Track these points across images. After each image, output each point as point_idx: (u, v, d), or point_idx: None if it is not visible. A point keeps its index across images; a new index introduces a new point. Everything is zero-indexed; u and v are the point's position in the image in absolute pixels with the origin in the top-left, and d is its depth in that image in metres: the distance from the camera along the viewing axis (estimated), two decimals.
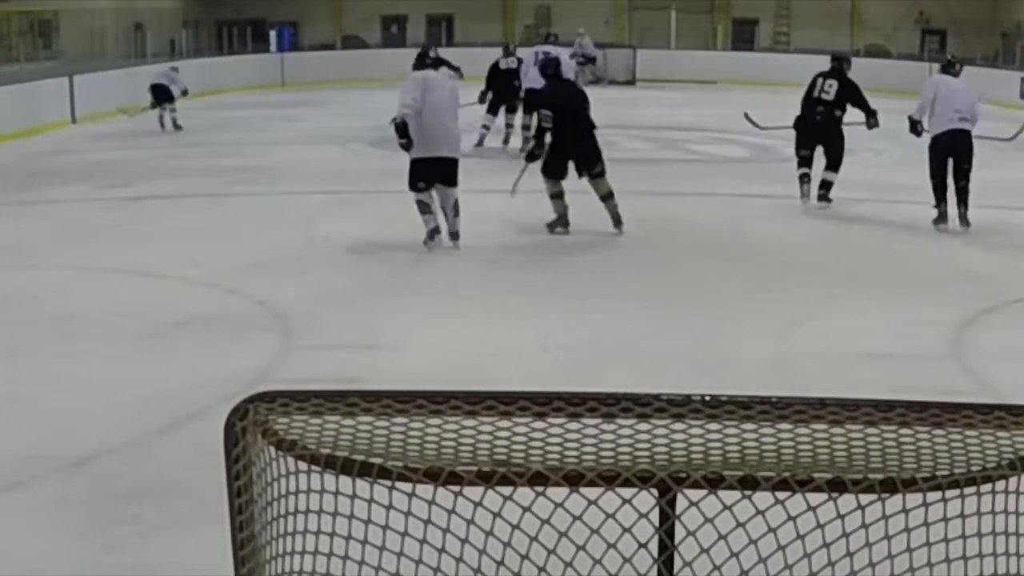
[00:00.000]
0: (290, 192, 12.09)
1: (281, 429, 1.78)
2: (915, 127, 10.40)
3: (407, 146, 8.69)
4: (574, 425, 1.71)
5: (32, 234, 9.80)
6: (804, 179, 11.04)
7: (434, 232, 8.91)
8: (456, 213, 8.92)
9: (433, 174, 8.74)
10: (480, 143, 14.97)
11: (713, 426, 1.71)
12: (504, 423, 1.72)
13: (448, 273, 8.32)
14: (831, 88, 11.04)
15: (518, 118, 15.12)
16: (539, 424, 1.72)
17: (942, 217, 9.91)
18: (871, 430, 1.72)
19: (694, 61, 30.63)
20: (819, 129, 10.93)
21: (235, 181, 12.72)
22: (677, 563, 1.80)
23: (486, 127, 15.21)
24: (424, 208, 8.85)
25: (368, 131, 17.42)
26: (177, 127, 17.74)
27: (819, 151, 11.19)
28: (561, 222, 9.64)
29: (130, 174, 13.21)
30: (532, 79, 13.95)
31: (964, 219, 9.83)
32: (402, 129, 8.57)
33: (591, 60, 23.73)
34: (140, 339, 6.65)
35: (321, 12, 32.80)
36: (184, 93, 17.93)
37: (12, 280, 8.12)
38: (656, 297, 7.62)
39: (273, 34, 30.69)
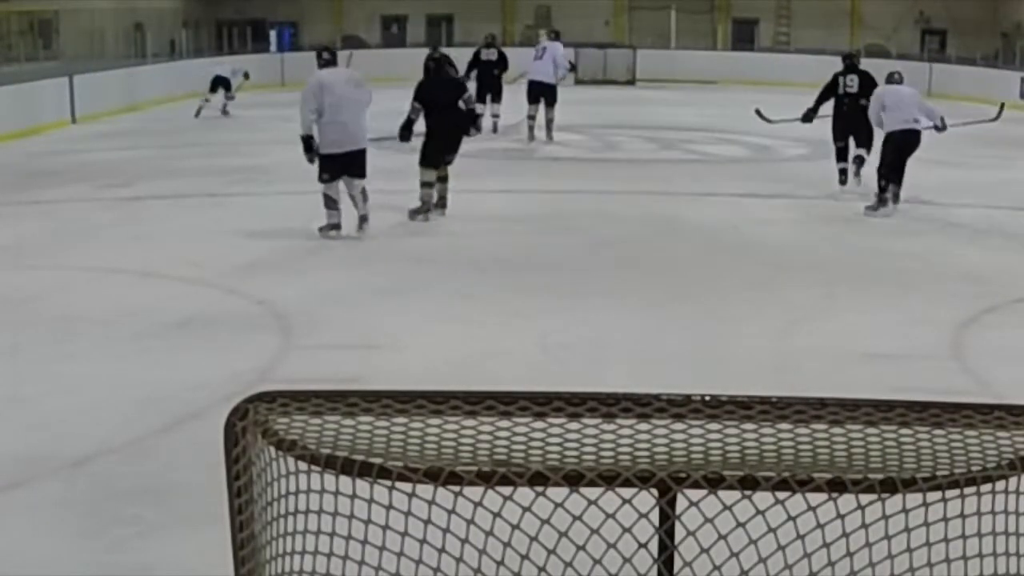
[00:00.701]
0: (290, 192, 12.08)
1: (281, 429, 1.78)
2: (879, 124, 11.40)
3: (312, 159, 9.19)
4: (574, 425, 1.71)
5: (32, 234, 9.81)
6: (843, 172, 12.18)
7: (334, 227, 9.27)
8: (364, 199, 9.28)
9: (338, 168, 9.13)
10: (494, 129, 16.09)
11: (713, 426, 1.71)
12: (504, 423, 1.71)
13: (448, 273, 8.32)
14: (853, 82, 12.16)
15: (498, 106, 16.52)
16: (539, 424, 1.72)
17: (883, 202, 10.93)
18: (871, 430, 1.72)
19: (694, 61, 30.64)
20: (849, 120, 12.02)
21: (235, 181, 12.72)
22: (677, 563, 1.80)
23: (489, 115, 15.93)
24: (329, 202, 9.23)
25: (368, 131, 17.41)
26: (225, 113, 19.94)
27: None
28: (423, 209, 10.15)
29: (130, 174, 13.21)
30: (536, 72, 15.82)
31: (897, 197, 11.03)
32: (307, 143, 9.12)
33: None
34: (140, 339, 6.65)
35: (321, 12, 32.80)
36: (246, 76, 20.77)
37: (12, 280, 8.12)
38: (656, 297, 7.62)
39: (273, 34, 30.68)
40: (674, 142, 17.07)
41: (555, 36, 17.33)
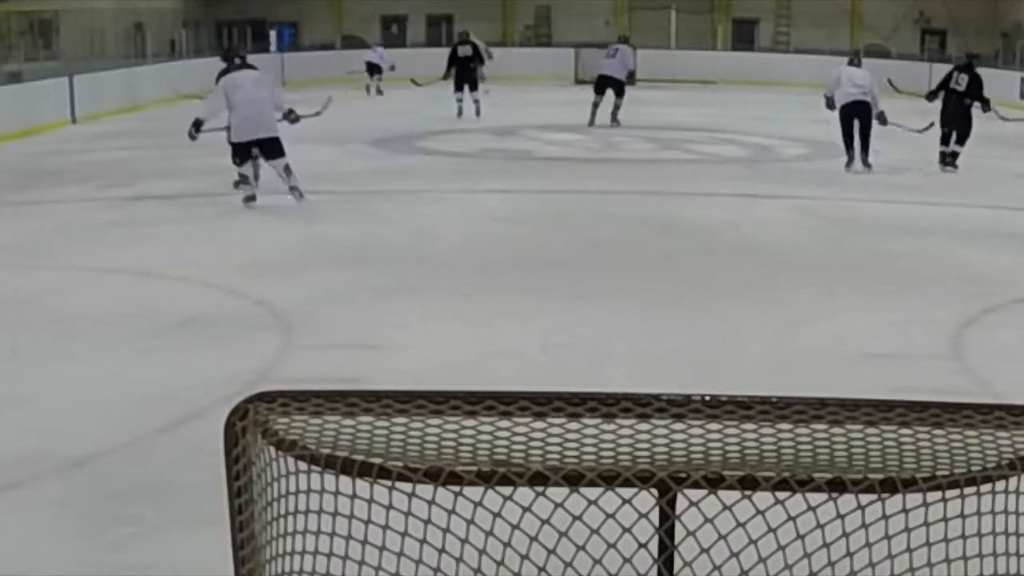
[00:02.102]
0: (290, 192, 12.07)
1: (281, 429, 1.78)
2: (829, 103, 14.02)
3: (193, 137, 11.04)
4: (574, 425, 1.71)
5: (32, 234, 9.80)
6: (942, 155, 14.02)
7: (249, 198, 10.98)
8: (288, 174, 10.77)
9: (247, 153, 10.85)
10: (460, 114, 19.21)
11: (713, 426, 1.71)
12: (504, 423, 1.72)
13: (448, 273, 8.32)
14: (962, 81, 13.92)
15: (477, 93, 19.48)
16: (539, 424, 1.72)
17: (850, 161, 13.72)
18: (871, 430, 1.72)
19: (694, 61, 30.66)
20: (950, 115, 13.96)
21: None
22: (677, 563, 1.80)
23: (460, 100, 19.28)
24: (242, 179, 11.00)
25: (367, 131, 17.43)
26: (380, 92, 24.92)
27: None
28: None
29: (130, 174, 13.21)
30: (606, 68, 18.57)
31: (865, 162, 13.70)
32: (197, 126, 10.95)
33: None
34: (140, 339, 6.65)
35: (321, 12, 32.81)
36: (391, 68, 24.83)
37: (12, 280, 8.12)
38: (656, 297, 7.62)
39: (273, 34, 30.69)
40: (674, 142, 17.08)
41: (625, 41, 19.93)
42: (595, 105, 18.39)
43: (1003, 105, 21.17)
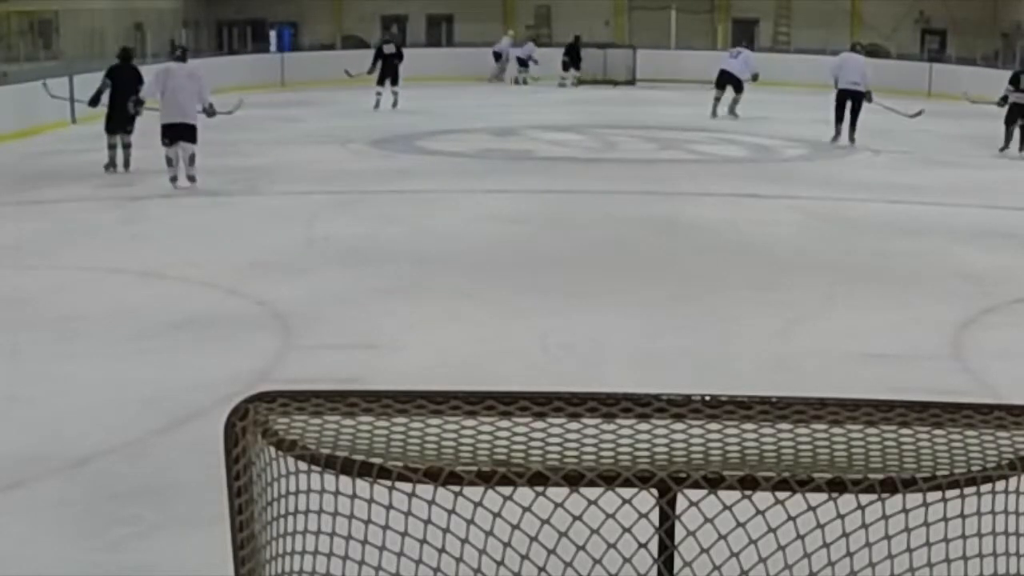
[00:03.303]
0: (290, 192, 12.10)
1: (281, 429, 1.78)
2: (837, 83, 16.62)
3: (133, 111, 12.85)
4: (574, 425, 1.71)
5: (32, 234, 9.80)
6: (1007, 136, 15.87)
7: (172, 179, 12.12)
8: (191, 163, 12.07)
9: (173, 134, 11.99)
10: (377, 106, 21.05)
11: (713, 426, 1.71)
12: (504, 423, 1.71)
13: (448, 273, 8.32)
14: None
15: (397, 87, 21.50)
16: (539, 424, 1.72)
17: (836, 136, 16.37)
18: (871, 430, 1.72)
19: (694, 61, 30.62)
20: (1018, 110, 15.82)
21: (235, 181, 12.72)
22: (677, 563, 1.80)
23: (379, 94, 21.26)
24: (168, 161, 12.11)
25: (368, 131, 17.44)
26: (518, 82, 27.99)
27: None
28: (111, 165, 13.13)
29: (130, 174, 13.20)
30: (730, 67, 20.41)
31: (851, 138, 16.24)
32: (138, 104, 12.81)
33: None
34: (140, 339, 6.65)
35: (321, 12, 32.78)
36: (535, 62, 28.41)
37: (12, 280, 8.12)
38: (656, 297, 7.62)
39: (273, 34, 30.66)
40: (674, 142, 17.08)
41: (747, 44, 22.45)
42: (716, 99, 20.15)
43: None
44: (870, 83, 16.34)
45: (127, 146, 13.11)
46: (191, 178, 12.04)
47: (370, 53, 27.79)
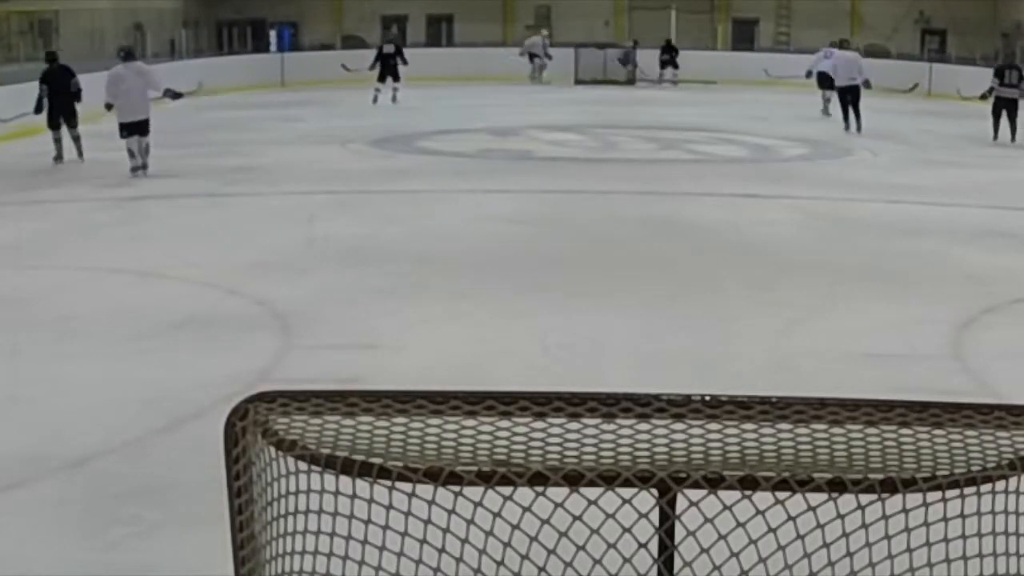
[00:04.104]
0: (290, 192, 12.09)
1: (281, 429, 1.78)
2: (808, 75, 20.29)
3: (110, 108, 13.56)
4: (574, 425, 1.71)
5: (32, 234, 9.81)
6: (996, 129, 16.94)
7: (134, 169, 13.17)
8: (146, 152, 13.29)
9: (131, 130, 13.22)
10: (375, 101, 22.37)
11: (713, 426, 1.71)
12: (504, 423, 1.71)
13: (448, 273, 8.32)
14: (1013, 76, 16.63)
15: (398, 84, 22.96)
16: (539, 424, 1.72)
17: (847, 127, 17.94)
18: (871, 430, 1.72)
19: (694, 61, 30.63)
20: (1005, 102, 16.77)
21: (235, 181, 12.73)
22: (677, 563, 1.80)
23: (378, 90, 22.61)
24: (130, 153, 13.21)
25: (368, 131, 17.44)
26: (543, 81, 28.36)
27: None
28: (59, 157, 14.20)
29: (130, 174, 13.21)
30: (823, 67, 20.57)
31: (859, 127, 17.81)
32: (108, 106, 13.44)
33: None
34: (140, 339, 6.65)
35: (321, 12, 32.77)
36: (548, 58, 29.05)
37: (12, 280, 8.12)
38: (656, 297, 7.62)
39: (273, 34, 30.66)
40: (674, 142, 17.08)
41: (840, 45, 21.12)
42: (826, 100, 20.70)
43: None
44: (866, 74, 18.37)
45: (76, 138, 14.27)
46: (144, 165, 13.25)
47: (370, 53, 28.07)
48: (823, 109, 20.81)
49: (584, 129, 18.33)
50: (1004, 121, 16.77)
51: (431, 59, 29.08)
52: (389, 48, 23.44)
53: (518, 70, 28.82)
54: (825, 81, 20.71)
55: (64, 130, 14.25)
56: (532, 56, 29.38)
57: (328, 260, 8.74)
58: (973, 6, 29.97)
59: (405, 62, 23.36)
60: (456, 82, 26.15)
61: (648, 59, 29.80)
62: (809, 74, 19.56)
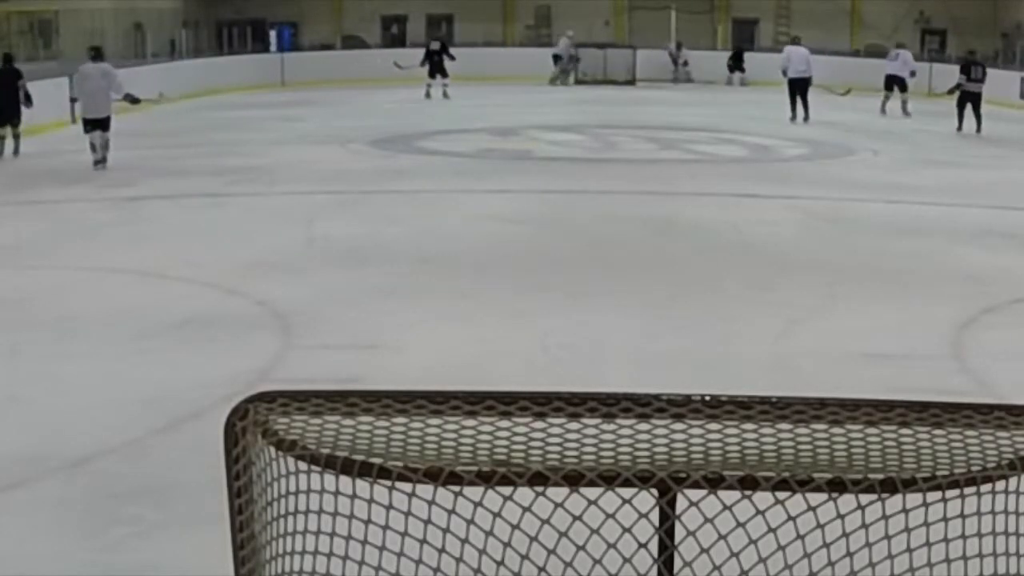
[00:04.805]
0: (290, 192, 12.10)
1: (281, 429, 1.78)
2: (784, 73, 20.15)
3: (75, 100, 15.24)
4: (574, 425, 1.71)
5: (32, 234, 9.80)
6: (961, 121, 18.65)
7: (96, 163, 13.73)
8: (106, 147, 13.87)
9: (93, 125, 13.85)
10: (427, 95, 24.08)
11: (713, 426, 1.71)
12: (504, 423, 1.71)
13: (448, 273, 8.32)
14: (979, 72, 18.42)
15: (447, 80, 24.55)
16: (539, 424, 1.72)
17: (793, 117, 19.57)
18: (871, 430, 1.72)
19: (694, 61, 30.63)
20: (970, 96, 18.56)
21: (235, 181, 12.73)
22: (677, 563, 1.80)
23: (429, 86, 24.41)
24: (92, 148, 13.80)
25: (368, 131, 17.44)
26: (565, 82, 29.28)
27: None
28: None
29: (130, 174, 13.22)
30: (892, 69, 21.87)
31: (806, 119, 19.43)
32: (73, 100, 15.51)
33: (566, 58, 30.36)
34: (140, 339, 6.65)
35: (321, 12, 32.77)
36: (577, 60, 29.56)
37: (12, 280, 8.12)
38: (656, 297, 7.62)
39: (273, 34, 30.67)
40: (674, 142, 17.08)
41: (792, 41, 22.65)
42: (886, 98, 21.79)
43: (1002, 106, 21.28)
44: (811, 68, 20.14)
45: (16, 136, 15.29)
46: (104, 159, 13.93)
47: (371, 53, 28.48)
48: (881, 108, 21.66)
49: (584, 129, 18.33)
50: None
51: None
52: (435, 45, 25.16)
53: (519, 70, 28.85)
54: (889, 82, 21.72)
55: (8, 129, 15.17)
56: (556, 58, 29.72)
57: (328, 260, 8.74)
58: (973, 6, 29.98)
59: (452, 57, 24.77)
60: (456, 82, 26.16)
61: (656, 59, 29.81)
62: (785, 72, 20.19)
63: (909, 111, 21.40)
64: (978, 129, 18.36)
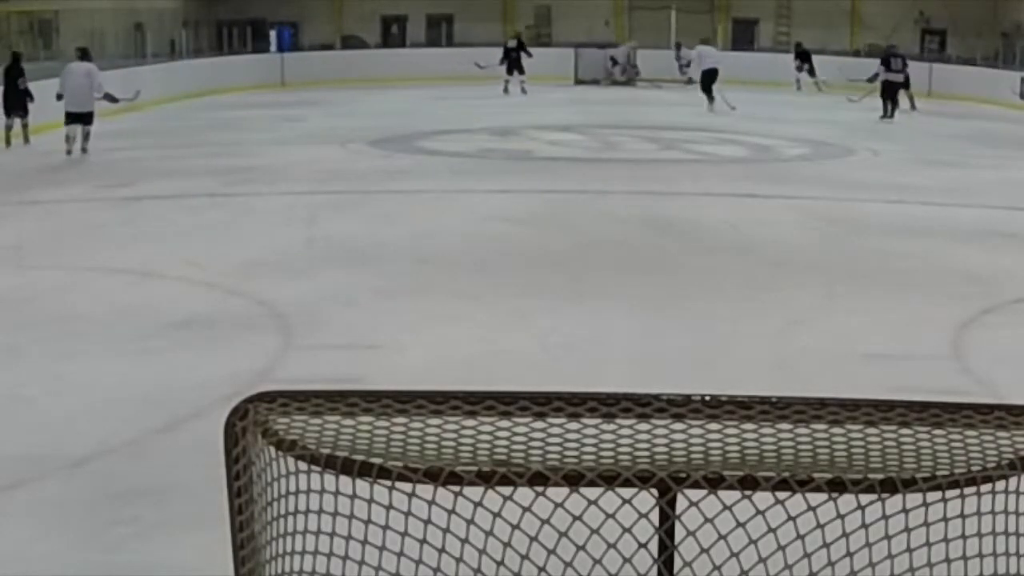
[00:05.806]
0: (290, 192, 12.09)
1: (281, 429, 1.78)
2: (695, 72, 22.91)
3: (60, 98, 15.07)
4: (574, 425, 1.71)
5: (32, 234, 9.81)
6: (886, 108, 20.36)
7: (69, 152, 14.61)
8: (86, 139, 14.87)
9: (74, 119, 14.84)
10: (505, 91, 25.54)
11: (713, 426, 1.71)
12: (504, 423, 1.71)
13: (448, 273, 8.32)
14: (898, 64, 20.40)
15: (523, 76, 25.88)
16: (539, 424, 1.72)
17: (711, 103, 21.63)
18: (871, 430, 1.72)
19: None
20: (890, 86, 20.28)
21: (235, 181, 12.73)
22: (677, 563, 1.80)
23: (507, 82, 25.73)
24: (67, 139, 14.73)
25: (368, 131, 17.44)
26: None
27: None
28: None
29: (130, 174, 13.22)
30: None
31: (711, 106, 21.57)
32: (59, 96, 15.00)
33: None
34: (140, 339, 6.65)
35: (321, 12, 32.75)
36: (633, 67, 30.33)
37: (12, 280, 8.12)
38: (656, 297, 7.62)
39: (273, 34, 30.65)
40: (674, 142, 17.08)
41: (703, 41, 24.54)
42: (894, 106, 22.04)
43: (1002, 106, 21.29)
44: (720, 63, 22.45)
45: (24, 126, 15.85)
46: (84, 149, 14.84)
47: (371, 53, 28.77)
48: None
49: (584, 129, 18.33)
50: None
51: (431, 59, 29.11)
52: (512, 43, 26.49)
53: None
54: (892, 89, 21.67)
55: (16, 120, 15.80)
56: (613, 61, 30.22)
57: (328, 260, 8.73)
58: (973, 6, 29.96)
59: (529, 55, 26.06)
60: (456, 82, 26.17)
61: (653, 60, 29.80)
62: (687, 67, 22.81)
63: (916, 106, 21.96)
64: (892, 113, 20.17)
